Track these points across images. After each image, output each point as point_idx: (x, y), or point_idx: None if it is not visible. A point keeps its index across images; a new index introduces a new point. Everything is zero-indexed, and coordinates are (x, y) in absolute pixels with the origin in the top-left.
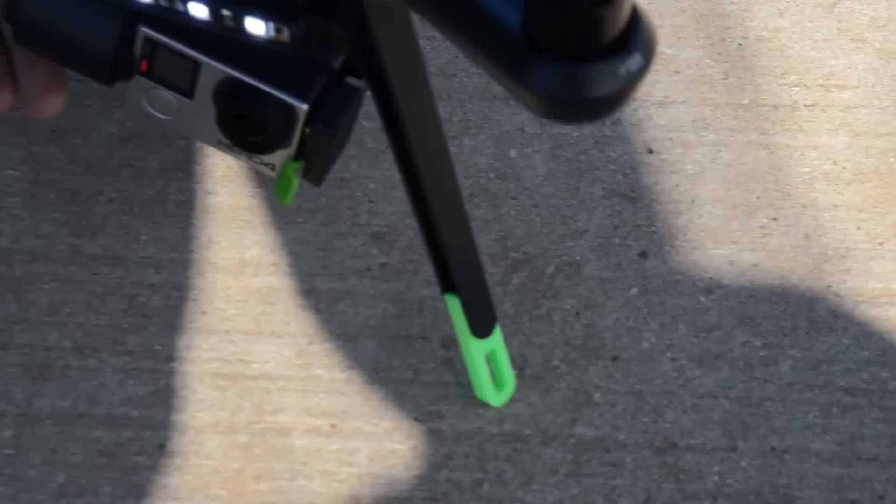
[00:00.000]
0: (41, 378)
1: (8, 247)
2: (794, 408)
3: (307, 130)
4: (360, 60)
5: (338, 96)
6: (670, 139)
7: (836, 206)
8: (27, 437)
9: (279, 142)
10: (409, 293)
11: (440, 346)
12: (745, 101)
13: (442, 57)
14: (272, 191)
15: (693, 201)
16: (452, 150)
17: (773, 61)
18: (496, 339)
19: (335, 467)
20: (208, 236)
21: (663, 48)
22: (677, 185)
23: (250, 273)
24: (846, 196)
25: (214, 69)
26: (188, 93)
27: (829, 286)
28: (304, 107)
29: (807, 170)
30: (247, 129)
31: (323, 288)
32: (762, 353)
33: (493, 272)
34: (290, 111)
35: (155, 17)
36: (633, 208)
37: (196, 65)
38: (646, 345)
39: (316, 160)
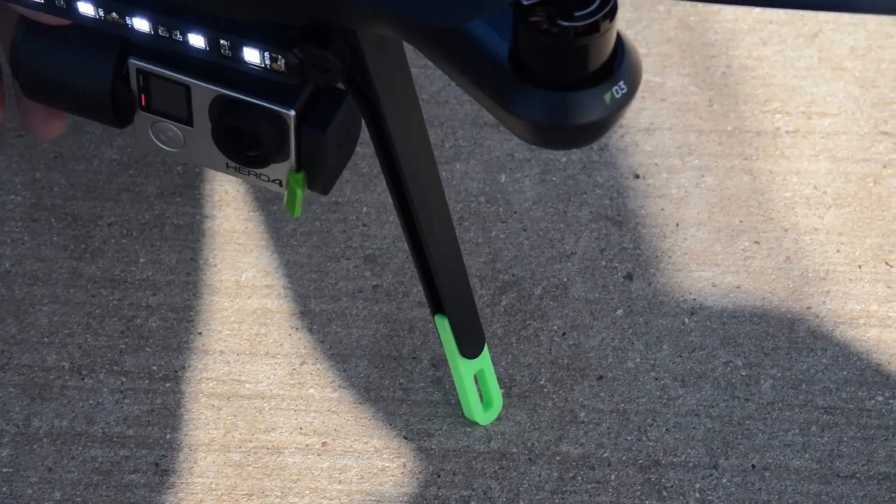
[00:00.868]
0: (39, 398)
1: (9, 270)
2: (775, 426)
3: (302, 137)
4: (353, 88)
5: (326, 99)
6: (656, 164)
7: (816, 229)
8: (25, 456)
9: (275, 152)
10: (400, 314)
11: (430, 366)
12: (729, 128)
13: (434, 84)
14: (268, 215)
15: (677, 225)
16: (444, 174)
17: (756, 89)
18: (484, 359)
19: (326, 485)
20: (205, 259)
21: (650, 76)
22: (662, 209)
23: (245, 295)
24: (826, 220)
25: (204, 90)
26: (188, 120)
27: (809, 307)
28: (291, 113)
29: (788, 194)
30: (243, 145)
31: (316, 309)
32: (744, 372)
33: (482, 294)
34: (279, 119)
35: (145, 49)
36: (619, 231)
37: (187, 89)
38: (630, 364)
39: (316, 166)
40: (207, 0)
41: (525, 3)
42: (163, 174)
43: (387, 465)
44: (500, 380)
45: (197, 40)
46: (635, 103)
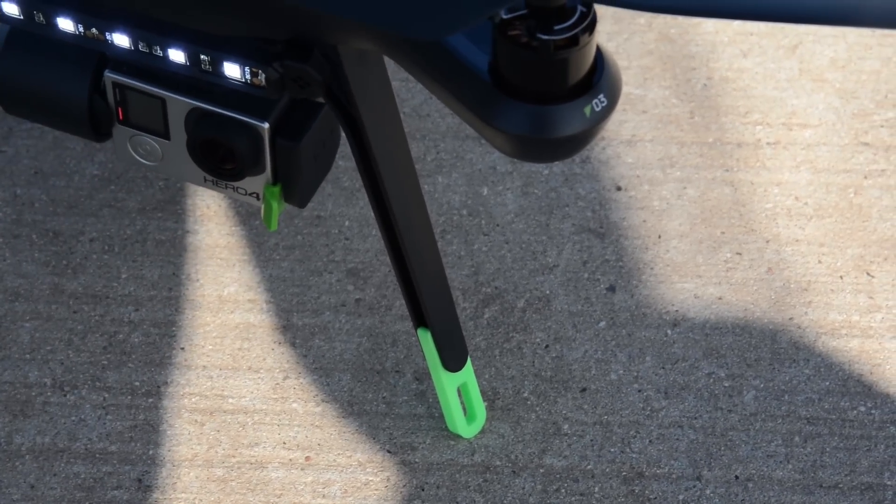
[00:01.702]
0: (21, 414)
1: None
2: (758, 437)
3: (277, 149)
4: (333, 103)
5: (301, 111)
6: (637, 176)
7: (797, 240)
8: (6, 473)
9: (251, 165)
10: (383, 328)
11: (413, 380)
12: (710, 140)
13: (415, 98)
14: (250, 230)
15: (660, 237)
16: (426, 188)
17: (737, 101)
18: (467, 373)
19: (310, 499)
20: (187, 274)
21: (631, 88)
22: (644, 221)
23: (228, 310)
24: (808, 231)
25: (179, 102)
26: (164, 133)
27: (791, 318)
28: (265, 125)
29: (770, 206)
30: (219, 158)
31: (299, 323)
32: (726, 383)
33: (464, 307)
34: (253, 131)
35: (121, 62)
36: (601, 244)
37: (163, 102)
38: (613, 377)
39: (292, 178)
40: (189, 16)
41: (505, 16)
42: (144, 189)
43: (370, 478)
44: (483, 393)
45: (177, 55)
46: (616, 115)
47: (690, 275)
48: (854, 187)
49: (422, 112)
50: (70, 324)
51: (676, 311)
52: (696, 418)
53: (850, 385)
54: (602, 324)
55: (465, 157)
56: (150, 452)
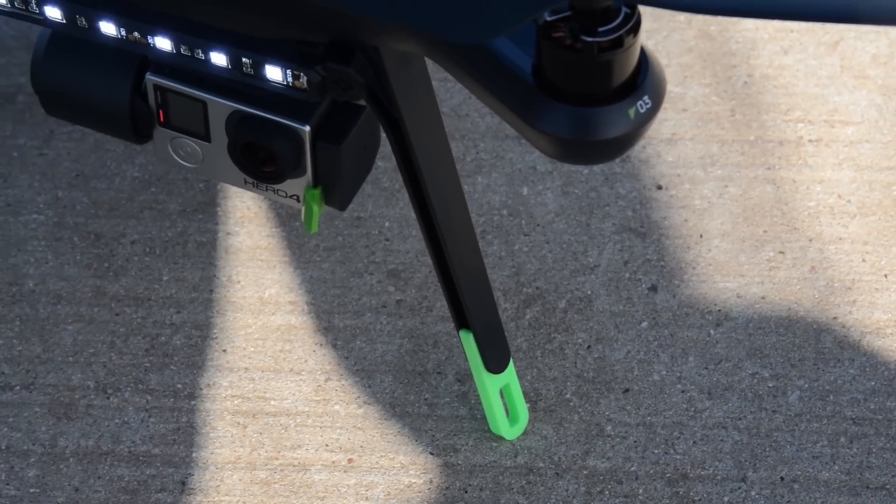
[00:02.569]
0: (65, 417)
1: (33, 289)
2: (803, 438)
3: (318, 152)
4: (375, 104)
5: (341, 114)
6: (678, 175)
7: (841, 238)
8: (51, 476)
9: (292, 168)
10: (425, 329)
11: (455, 381)
12: (752, 138)
13: (454, 98)
14: (290, 231)
15: (701, 236)
16: (466, 188)
17: (778, 98)
18: (510, 374)
19: (353, 502)
20: (228, 276)
21: (671, 86)
22: (686, 220)
23: (269, 311)
24: (851, 229)
25: (220, 105)
26: (205, 136)
27: (835, 317)
28: (306, 128)
29: (812, 204)
30: (260, 160)
31: (340, 325)
32: (770, 384)
33: (506, 307)
34: (294, 134)
35: (162, 65)
36: (642, 243)
37: (204, 105)
38: (656, 377)
39: (332, 181)
40: (231, 19)
41: (548, 18)
42: (185, 191)
43: (413, 481)
44: (525, 394)
45: (219, 58)
46: (657, 116)
47: (733, 274)
48: None
49: (461, 112)
50: (112, 326)
51: (719, 310)
52: (740, 419)
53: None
54: (644, 324)
55: (505, 157)
56: (193, 455)
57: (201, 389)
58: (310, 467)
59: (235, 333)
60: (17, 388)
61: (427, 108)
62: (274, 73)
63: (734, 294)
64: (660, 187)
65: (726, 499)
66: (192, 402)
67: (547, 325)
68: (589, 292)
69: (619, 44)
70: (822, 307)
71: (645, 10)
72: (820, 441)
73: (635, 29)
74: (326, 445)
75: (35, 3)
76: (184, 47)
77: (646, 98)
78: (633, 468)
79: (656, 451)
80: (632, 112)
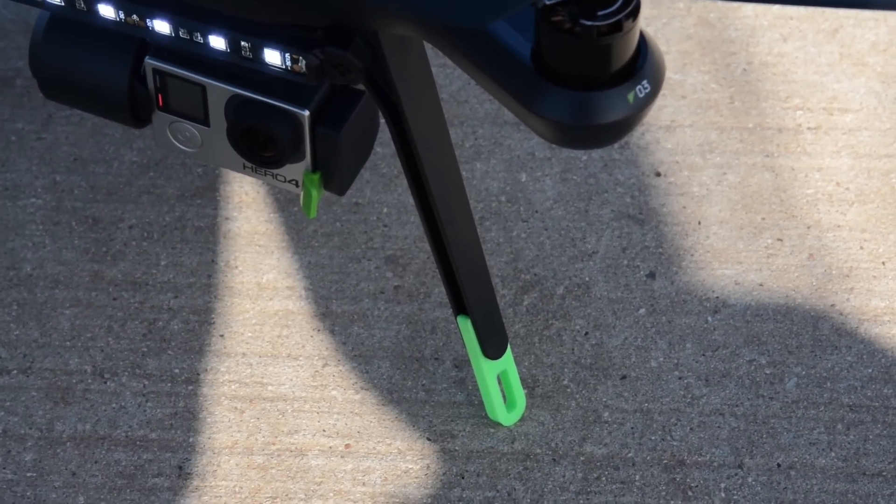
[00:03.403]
0: (62, 401)
1: (30, 273)
2: (800, 424)
3: (317, 137)
4: (374, 89)
5: (341, 99)
6: (677, 162)
7: (839, 226)
8: (48, 460)
9: (290, 153)
10: (422, 315)
11: (452, 367)
12: (750, 125)
13: (453, 83)
14: (289, 216)
15: (699, 223)
16: (464, 174)
17: (777, 86)
18: (507, 360)
19: (350, 487)
20: (226, 261)
21: (670, 73)
22: (684, 207)
23: (267, 297)
24: (849, 216)
25: (219, 89)
26: (204, 120)
27: (833, 305)
28: (305, 113)
29: (811, 191)
30: (259, 145)
31: (338, 310)
32: (768, 370)
33: (504, 294)
34: (293, 119)
35: (161, 49)
36: (640, 230)
37: (203, 89)
38: (654, 364)
39: (331, 166)
40: (230, 3)
41: (547, 2)
42: (183, 176)
43: (410, 466)
44: (523, 380)
45: (218, 42)
46: (656, 101)
47: (731, 261)
48: None
49: (460, 98)
50: (110, 311)
51: (717, 297)
52: (737, 406)
53: (893, 372)
54: (642, 311)
55: (504, 144)
56: (191, 440)
57: (199, 374)
58: (307, 452)
59: (233, 318)
60: (15, 372)
61: (426, 93)
62: (273, 56)
63: (732, 281)
64: (658, 174)
65: (723, 485)
66: (190, 387)
67: (545, 312)
68: (587, 279)
69: (618, 28)
70: (820, 294)
71: None
72: (817, 428)
73: (634, 13)
74: (323, 431)
75: None
76: (183, 31)
77: (645, 83)
78: (630, 454)
79: (653, 438)
80: (631, 96)
